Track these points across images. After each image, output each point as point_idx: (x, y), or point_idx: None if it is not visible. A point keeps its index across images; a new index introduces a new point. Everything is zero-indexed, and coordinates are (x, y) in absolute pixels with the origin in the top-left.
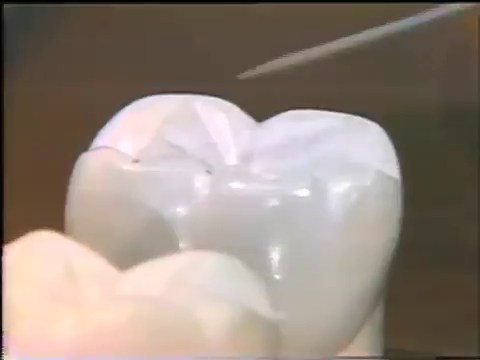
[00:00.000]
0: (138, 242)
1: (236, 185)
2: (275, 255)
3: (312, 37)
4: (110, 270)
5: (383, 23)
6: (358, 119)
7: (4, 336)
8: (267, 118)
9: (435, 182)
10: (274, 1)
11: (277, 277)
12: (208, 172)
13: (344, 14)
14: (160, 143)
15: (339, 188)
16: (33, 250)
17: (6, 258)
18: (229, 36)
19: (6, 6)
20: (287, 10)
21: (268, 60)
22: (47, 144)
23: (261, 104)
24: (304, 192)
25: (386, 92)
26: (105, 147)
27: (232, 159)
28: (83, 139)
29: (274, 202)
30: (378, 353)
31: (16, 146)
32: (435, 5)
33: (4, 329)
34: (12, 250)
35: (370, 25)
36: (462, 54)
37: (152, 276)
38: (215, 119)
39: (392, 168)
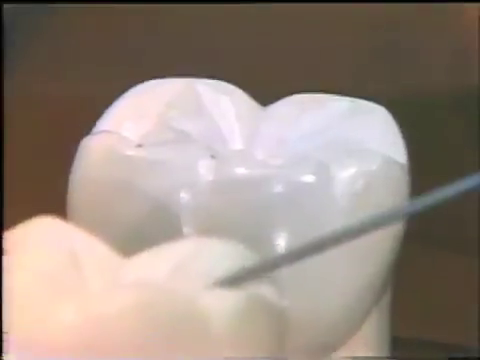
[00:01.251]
0: (141, 228)
1: (240, 170)
2: (280, 241)
3: (312, 37)
4: (114, 257)
5: (383, 23)
6: (364, 103)
7: (4, 335)
8: None
9: (438, 167)
10: (274, 1)
11: None
12: (212, 157)
13: (344, 14)
14: (163, 128)
15: (345, 173)
16: (35, 236)
17: (6, 244)
18: (229, 36)
19: (6, 6)
20: (287, 10)
21: (268, 60)
22: (47, 144)
23: (263, 102)
24: (309, 177)
25: (389, 81)
26: (107, 131)
27: (237, 143)
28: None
29: (279, 187)
30: (386, 340)
31: (15, 146)
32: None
33: (5, 324)
34: (13, 236)
35: (370, 25)
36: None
37: (156, 263)
38: (219, 102)
39: (399, 153)
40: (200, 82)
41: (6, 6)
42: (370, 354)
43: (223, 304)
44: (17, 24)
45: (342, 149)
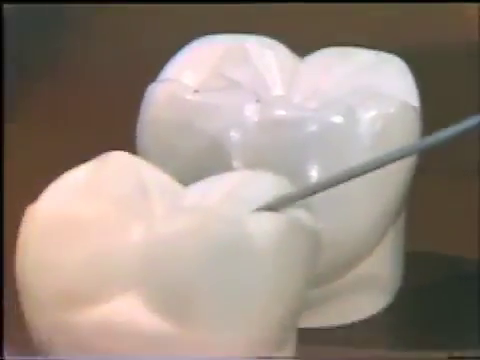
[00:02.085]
0: (198, 161)
1: (281, 112)
2: (313, 173)
3: (313, 37)
4: (175, 185)
5: (383, 23)
6: (384, 54)
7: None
8: None
9: (447, 113)
10: (275, 1)
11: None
12: (257, 101)
13: (344, 14)
14: (216, 76)
15: (368, 116)
16: (107, 167)
17: (81, 174)
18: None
19: (6, 6)
20: (287, 10)
21: None
22: (45, 146)
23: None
24: (339, 119)
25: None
26: (169, 79)
27: (278, 90)
28: (83, 145)
29: (313, 127)
30: (400, 254)
31: (16, 143)
32: None
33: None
34: (87, 167)
35: (370, 25)
36: None
37: (210, 191)
38: (263, 55)
39: (413, 98)
40: (247, 38)
41: (6, 6)
42: (387, 268)
43: (266, 226)
44: (17, 24)
45: (366, 95)
